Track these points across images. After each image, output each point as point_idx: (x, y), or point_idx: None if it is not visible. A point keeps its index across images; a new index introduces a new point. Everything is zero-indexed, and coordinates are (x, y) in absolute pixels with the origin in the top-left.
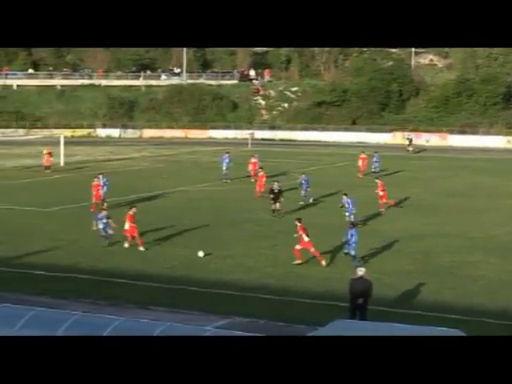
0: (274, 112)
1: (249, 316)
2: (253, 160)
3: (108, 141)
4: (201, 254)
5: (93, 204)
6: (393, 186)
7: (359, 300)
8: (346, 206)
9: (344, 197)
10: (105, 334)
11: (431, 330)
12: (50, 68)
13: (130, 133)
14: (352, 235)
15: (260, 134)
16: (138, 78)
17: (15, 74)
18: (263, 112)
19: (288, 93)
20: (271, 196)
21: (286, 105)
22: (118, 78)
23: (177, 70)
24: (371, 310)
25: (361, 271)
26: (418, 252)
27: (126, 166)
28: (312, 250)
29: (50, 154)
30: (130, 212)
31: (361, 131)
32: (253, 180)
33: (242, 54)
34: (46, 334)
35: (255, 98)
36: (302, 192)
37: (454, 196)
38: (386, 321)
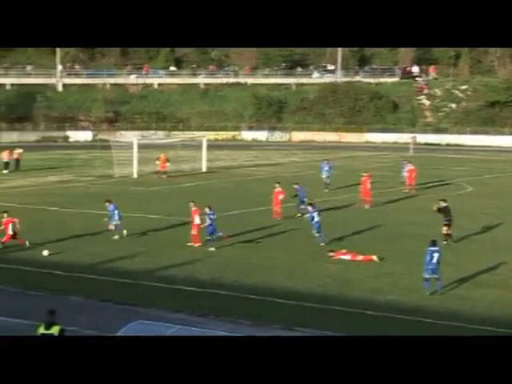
0: (440, 113)
1: None
2: (410, 167)
3: (254, 144)
4: (45, 252)
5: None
6: None
7: None
8: None
9: None
10: None
11: None
12: (194, 65)
13: (278, 136)
14: None
15: (423, 138)
16: (287, 75)
17: (156, 73)
18: (427, 113)
19: (456, 92)
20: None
21: (453, 105)
22: (266, 75)
23: (331, 67)
24: None
25: None
26: None
27: (272, 173)
28: None
29: (166, 159)
30: None
31: None
32: (407, 190)
33: (405, 49)
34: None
35: (418, 98)
36: None
37: None
38: None
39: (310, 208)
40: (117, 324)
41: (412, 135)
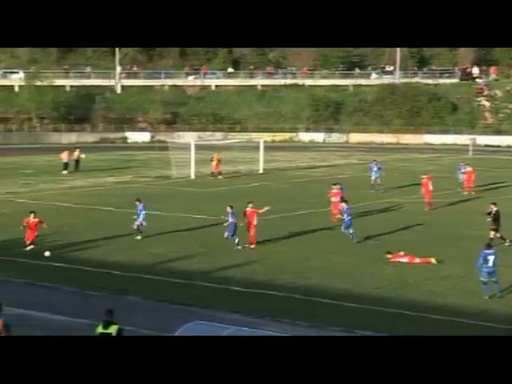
0: (501, 115)
1: None
2: (468, 169)
3: (311, 146)
4: (47, 253)
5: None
6: None
7: None
8: None
9: None
10: None
11: None
12: (251, 67)
13: (335, 137)
14: None
15: (483, 140)
16: (345, 76)
17: (214, 74)
18: (487, 115)
19: None
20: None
21: None
22: (324, 77)
23: (389, 68)
24: None
25: None
26: None
27: (330, 174)
28: None
29: (218, 160)
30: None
31: None
32: (466, 192)
33: (464, 50)
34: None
35: (478, 99)
36: None
37: None
38: None
39: (344, 205)
40: (174, 324)
41: (471, 137)
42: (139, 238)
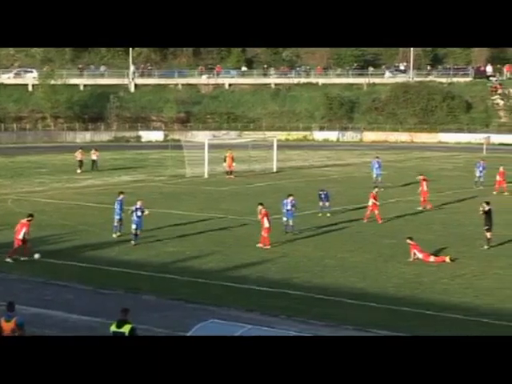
0: None
1: None
2: (500, 169)
3: (325, 145)
4: (36, 256)
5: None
6: None
7: None
8: None
9: None
10: None
11: None
12: (265, 65)
13: (350, 136)
14: None
15: (497, 139)
16: (359, 75)
17: (228, 73)
18: (501, 113)
19: None
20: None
21: None
22: (338, 75)
23: (403, 67)
24: None
25: None
26: None
27: (344, 173)
28: None
29: (232, 157)
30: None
31: None
32: (495, 192)
33: (478, 49)
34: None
35: (492, 98)
36: None
37: None
38: None
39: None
40: (189, 323)
41: (486, 135)
42: (115, 236)
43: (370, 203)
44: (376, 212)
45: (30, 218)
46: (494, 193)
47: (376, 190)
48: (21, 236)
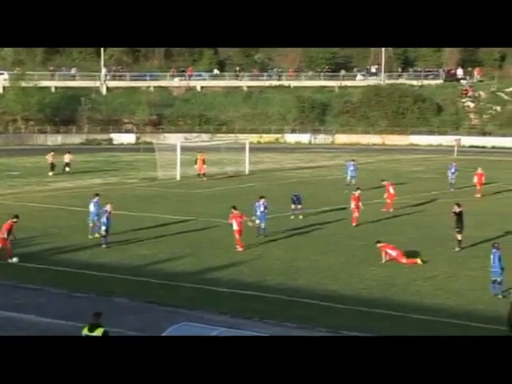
0: (485, 116)
1: None
2: (479, 171)
3: (297, 147)
4: (15, 259)
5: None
6: None
7: None
8: None
9: None
10: None
11: None
12: (237, 68)
13: (322, 138)
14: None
15: (468, 141)
16: (331, 78)
17: (200, 75)
18: (472, 116)
19: (502, 94)
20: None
21: (498, 108)
22: (310, 78)
23: (374, 69)
24: None
25: None
26: None
27: (316, 176)
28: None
29: (203, 160)
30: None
31: None
32: (478, 195)
33: (449, 51)
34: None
35: (463, 100)
36: None
37: None
38: None
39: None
40: (162, 326)
41: (457, 137)
42: (91, 237)
43: (352, 206)
44: (356, 214)
45: (15, 220)
46: (478, 195)
47: (358, 191)
48: (5, 235)
